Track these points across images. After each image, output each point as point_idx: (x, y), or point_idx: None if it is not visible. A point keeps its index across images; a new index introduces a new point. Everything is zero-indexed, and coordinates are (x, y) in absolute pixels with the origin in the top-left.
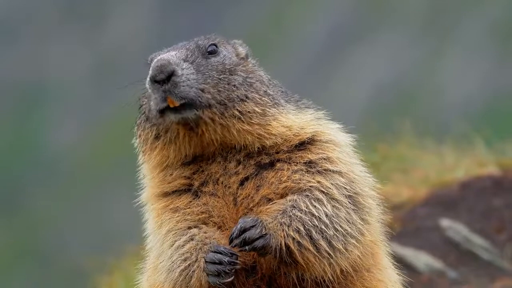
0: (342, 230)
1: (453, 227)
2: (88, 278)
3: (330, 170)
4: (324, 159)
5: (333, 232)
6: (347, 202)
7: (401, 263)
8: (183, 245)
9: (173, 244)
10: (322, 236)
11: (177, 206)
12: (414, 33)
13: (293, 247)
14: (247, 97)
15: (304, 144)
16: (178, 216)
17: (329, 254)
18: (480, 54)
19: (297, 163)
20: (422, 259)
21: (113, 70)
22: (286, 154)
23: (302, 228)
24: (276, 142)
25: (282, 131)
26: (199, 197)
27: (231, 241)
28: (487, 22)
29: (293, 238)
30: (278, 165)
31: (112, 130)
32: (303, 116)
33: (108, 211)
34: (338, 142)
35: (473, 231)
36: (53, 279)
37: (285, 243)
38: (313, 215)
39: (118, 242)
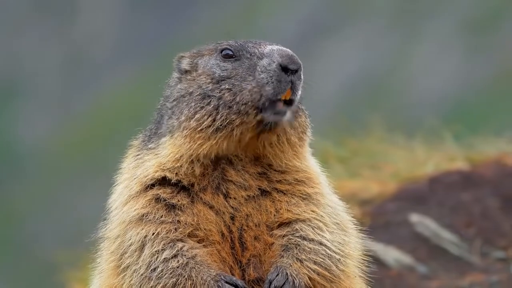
0: (341, 252)
1: (422, 222)
2: (60, 273)
3: (320, 202)
4: (318, 193)
5: (339, 256)
6: (337, 228)
7: (371, 258)
8: (170, 259)
9: (156, 254)
10: (332, 262)
11: (173, 204)
12: (384, 27)
13: (315, 277)
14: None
15: (302, 179)
16: (165, 223)
17: (338, 276)
18: (450, 49)
19: (294, 195)
20: (391, 254)
21: (85, 63)
22: (286, 186)
23: (318, 259)
24: (288, 168)
25: (301, 161)
26: (193, 203)
27: None
28: (457, 17)
29: (314, 270)
30: (276, 195)
31: (84, 124)
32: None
33: (80, 205)
34: (323, 181)
35: (442, 226)
36: (25, 273)
37: (309, 278)
38: (321, 243)
39: (90, 237)
